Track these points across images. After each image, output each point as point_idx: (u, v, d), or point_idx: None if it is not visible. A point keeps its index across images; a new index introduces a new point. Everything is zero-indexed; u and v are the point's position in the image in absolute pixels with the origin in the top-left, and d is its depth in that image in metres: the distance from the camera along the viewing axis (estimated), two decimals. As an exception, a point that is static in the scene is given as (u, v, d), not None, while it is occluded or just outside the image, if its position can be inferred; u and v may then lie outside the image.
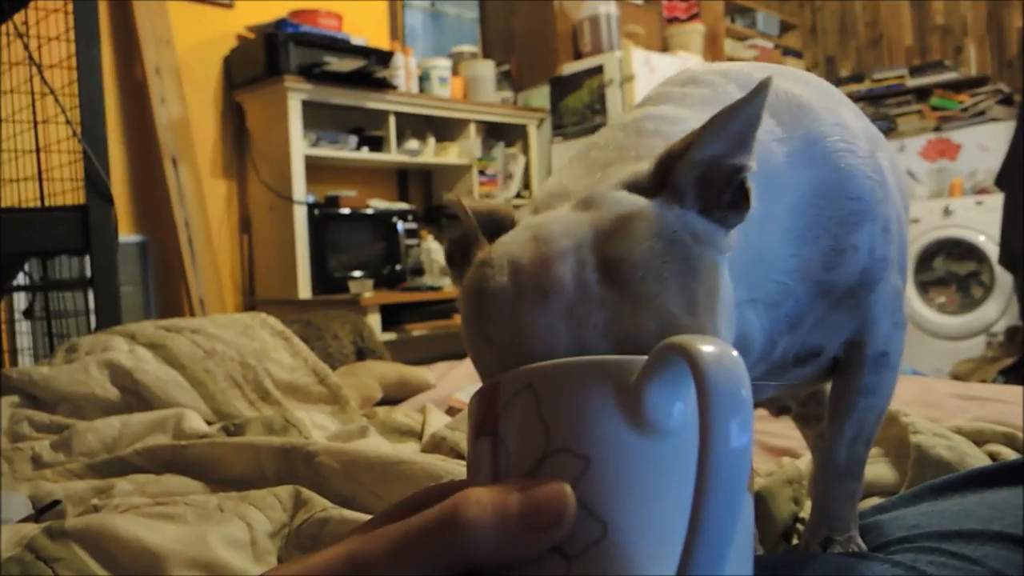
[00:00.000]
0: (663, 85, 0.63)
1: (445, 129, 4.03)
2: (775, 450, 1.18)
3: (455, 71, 4.07)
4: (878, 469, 0.90)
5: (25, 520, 1.02)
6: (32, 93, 1.79)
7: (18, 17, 1.70)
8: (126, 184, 3.19)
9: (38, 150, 1.82)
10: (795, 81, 0.61)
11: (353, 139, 3.60)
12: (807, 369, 0.65)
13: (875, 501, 0.77)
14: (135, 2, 3.14)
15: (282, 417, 1.30)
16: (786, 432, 1.19)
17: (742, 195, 0.46)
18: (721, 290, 0.44)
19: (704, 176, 0.45)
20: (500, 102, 4.19)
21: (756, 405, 0.85)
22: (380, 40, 3.97)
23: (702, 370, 0.31)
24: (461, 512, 0.32)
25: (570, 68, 4.13)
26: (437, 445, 1.15)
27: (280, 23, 3.37)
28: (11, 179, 1.90)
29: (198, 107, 3.39)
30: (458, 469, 0.94)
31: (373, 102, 3.58)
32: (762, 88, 0.43)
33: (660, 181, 0.44)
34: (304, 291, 3.35)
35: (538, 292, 0.40)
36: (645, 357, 0.35)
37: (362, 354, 1.94)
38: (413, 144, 3.80)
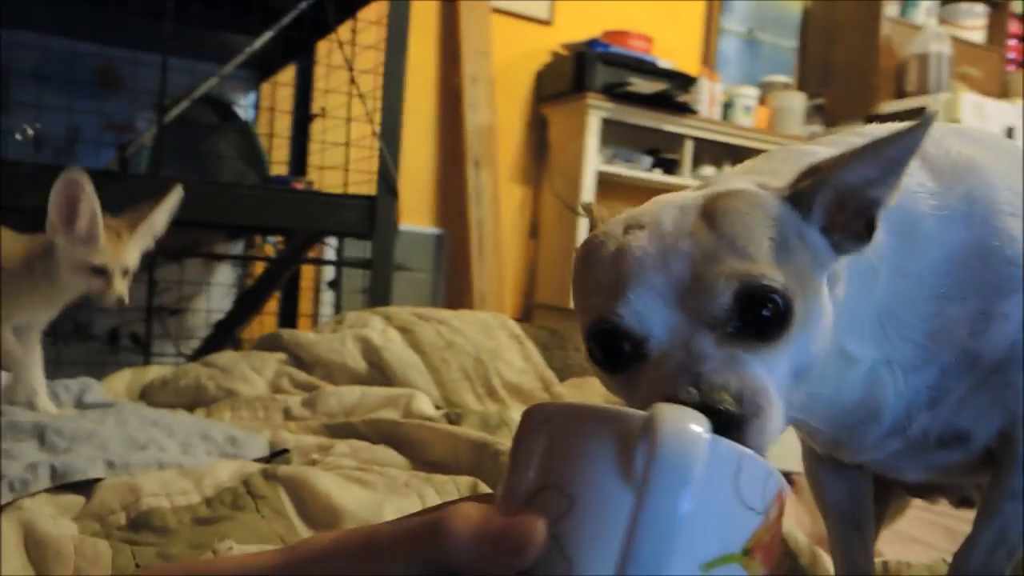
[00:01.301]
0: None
1: (744, 158, 3.94)
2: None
3: (762, 100, 3.98)
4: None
5: (259, 460, 1.18)
6: (349, 94, 2.03)
7: (343, 27, 1.94)
8: (433, 180, 3.48)
9: (347, 144, 2.06)
10: (975, 143, 0.60)
11: (648, 160, 3.66)
12: (955, 455, 0.60)
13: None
14: (462, 15, 3.42)
15: (499, 415, 1.38)
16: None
17: (868, 228, 0.49)
18: (818, 296, 0.47)
19: (838, 199, 0.48)
20: (807, 136, 4.03)
21: (925, 492, 0.78)
22: (690, 64, 3.98)
23: (656, 436, 0.33)
24: (448, 522, 0.36)
25: (890, 107, 3.89)
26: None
27: (592, 42, 3.51)
28: (323, 167, 2.17)
29: (506, 116, 3.62)
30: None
31: (672, 125, 3.61)
32: (924, 122, 0.45)
33: (793, 189, 0.48)
34: (578, 301, 3.45)
35: (640, 228, 0.46)
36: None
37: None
38: (709, 170, 3.78)
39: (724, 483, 0.35)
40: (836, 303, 0.50)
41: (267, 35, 1.81)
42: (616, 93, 3.40)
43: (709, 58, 4.15)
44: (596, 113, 3.42)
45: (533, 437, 0.39)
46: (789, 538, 0.93)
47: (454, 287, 3.55)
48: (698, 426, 0.34)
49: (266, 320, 2.68)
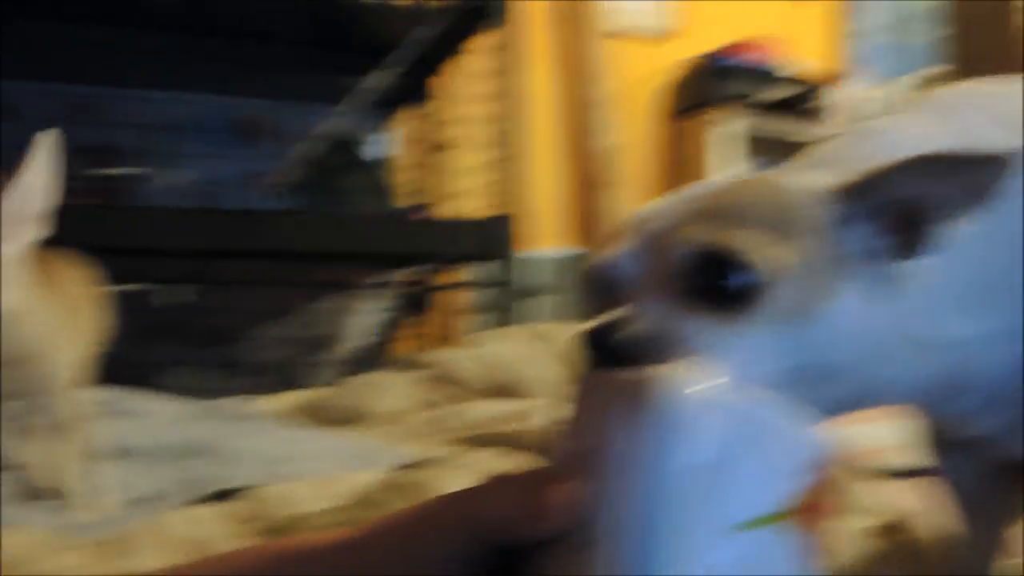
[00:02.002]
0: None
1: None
2: None
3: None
4: None
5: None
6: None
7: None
8: (565, 203, 3.53)
9: (469, 170, 2.13)
10: None
11: (783, 167, 3.58)
12: None
13: None
14: (582, 40, 3.47)
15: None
16: None
17: (919, 239, 0.47)
18: (834, 296, 0.45)
19: (900, 200, 0.47)
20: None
21: None
22: (826, 67, 3.87)
23: (648, 390, 0.34)
24: (489, 488, 0.38)
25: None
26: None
27: (715, 54, 3.48)
28: (450, 195, 2.25)
29: (633, 135, 3.63)
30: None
31: (805, 131, 3.52)
32: (997, 161, 0.44)
33: (840, 187, 0.47)
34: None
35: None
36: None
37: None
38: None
39: (746, 445, 0.35)
40: (891, 303, 0.49)
41: (379, 74, 1.91)
42: (744, 104, 3.36)
43: (846, 59, 4.03)
44: (727, 125, 3.39)
45: (581, 404, 0.40)
46: (923, 536, 0.89)
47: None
48: (692, 384, 0.35)
49: (413, 344, 2.78)
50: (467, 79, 2.07)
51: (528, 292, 3.46)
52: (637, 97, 3.64)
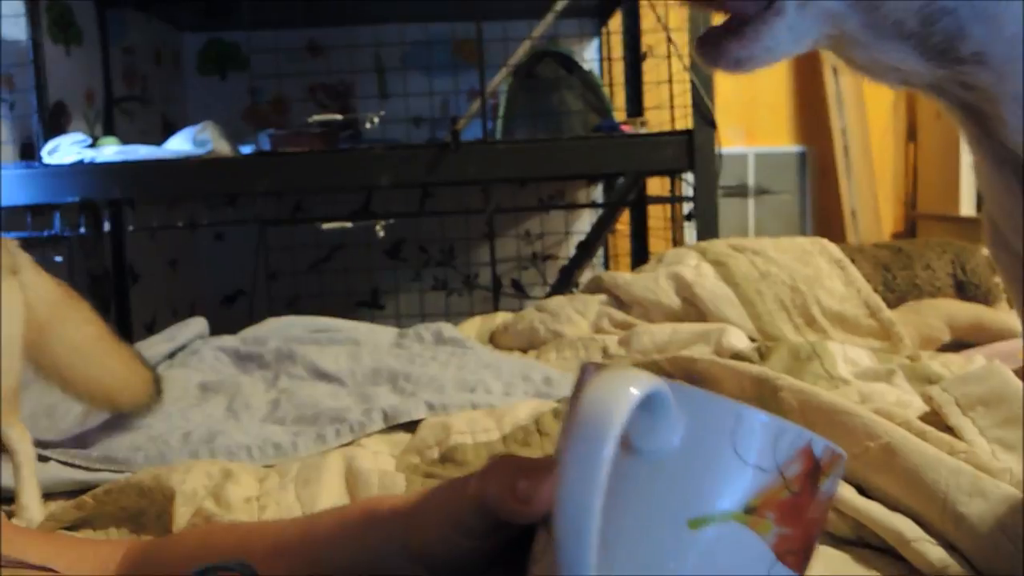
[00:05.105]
0: None
1: None
2: None
3: None
4: None
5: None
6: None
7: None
8: (789, 96, 3.33)
9: (670, 81, 2.07)
10: None
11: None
12: None
13: None
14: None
15: (810, 346, 1.34)
16: None
17: None
18: None
19: None
20: None
21: None
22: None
23: (580, 396, 0.34)
24: (494, 465, 0.40)
25: None
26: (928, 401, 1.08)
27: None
28: (653, 107, 2.20)
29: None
30: (898, 432, 0.89)
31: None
32: None
33: None
34: (967, 207, 3.10)
35: None
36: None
37: (962, 288, 1.80)
38: None
39: (714, 439, 0.34)
40: None
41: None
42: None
43: None
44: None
45: (572, 394, 0.40)
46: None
47: (821, 206, 3.38)
48: (624, 379, 0.33)
49: (624, 262, 2.80)
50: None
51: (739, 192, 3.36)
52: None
